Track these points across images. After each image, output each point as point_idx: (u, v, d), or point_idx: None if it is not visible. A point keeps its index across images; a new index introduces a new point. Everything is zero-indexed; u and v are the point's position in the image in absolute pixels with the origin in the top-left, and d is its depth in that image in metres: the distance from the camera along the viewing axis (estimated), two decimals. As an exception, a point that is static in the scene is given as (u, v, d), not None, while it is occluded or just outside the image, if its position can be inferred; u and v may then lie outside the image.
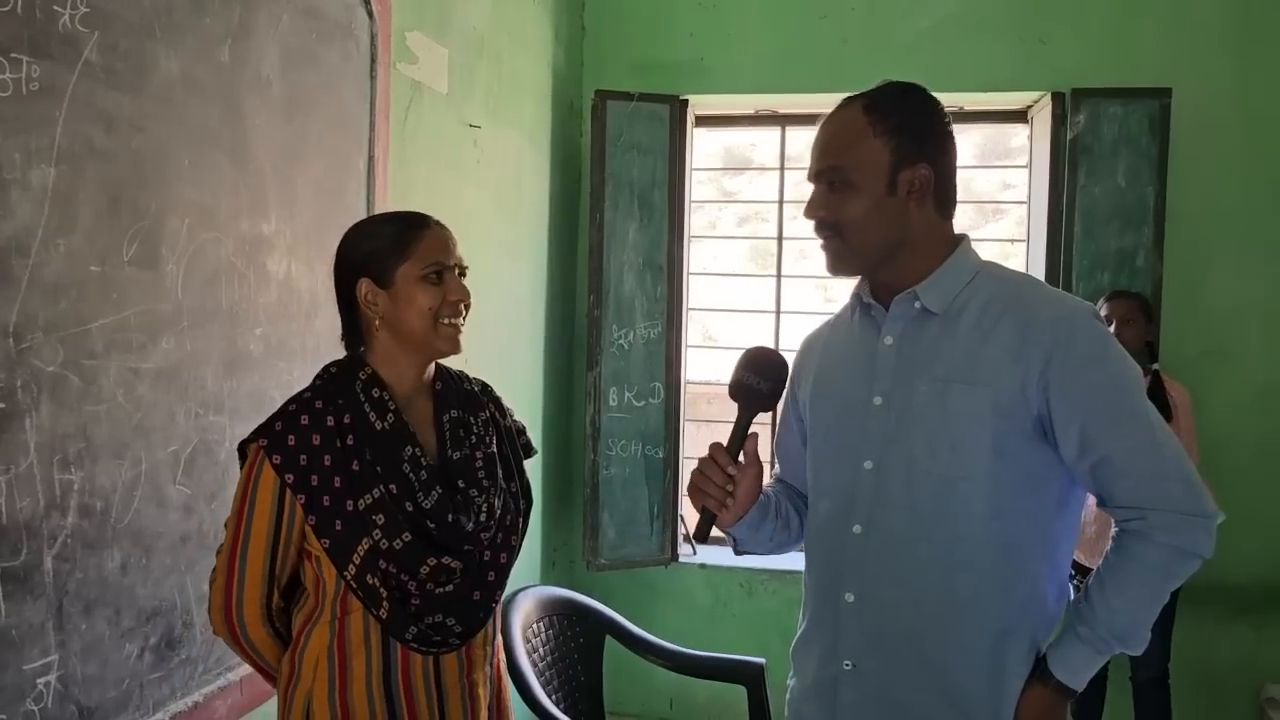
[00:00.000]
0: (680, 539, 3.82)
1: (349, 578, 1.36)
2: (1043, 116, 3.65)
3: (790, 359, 1.54)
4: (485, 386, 1.64)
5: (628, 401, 3.68)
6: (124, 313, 1.48)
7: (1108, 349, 1.34)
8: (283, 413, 1.39)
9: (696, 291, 4.14)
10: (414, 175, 2.44)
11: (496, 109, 3.01)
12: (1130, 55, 3.53)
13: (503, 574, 1.53)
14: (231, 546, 1.38)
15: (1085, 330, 1.33)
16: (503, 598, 2.33)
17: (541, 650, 2.36)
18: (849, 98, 1.43)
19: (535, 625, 2.37)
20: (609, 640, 2.59)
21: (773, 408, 1.45)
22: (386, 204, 2.25)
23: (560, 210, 3.75)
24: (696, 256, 4.15)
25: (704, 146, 4.51)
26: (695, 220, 4.11)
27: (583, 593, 3.41)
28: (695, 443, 4.47)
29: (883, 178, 1.37)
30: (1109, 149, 3.45)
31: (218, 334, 1.70)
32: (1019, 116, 3.86)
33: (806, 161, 1.46)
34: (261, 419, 1.44)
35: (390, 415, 1.42)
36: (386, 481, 1.38)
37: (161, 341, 1.56)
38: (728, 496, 1.45)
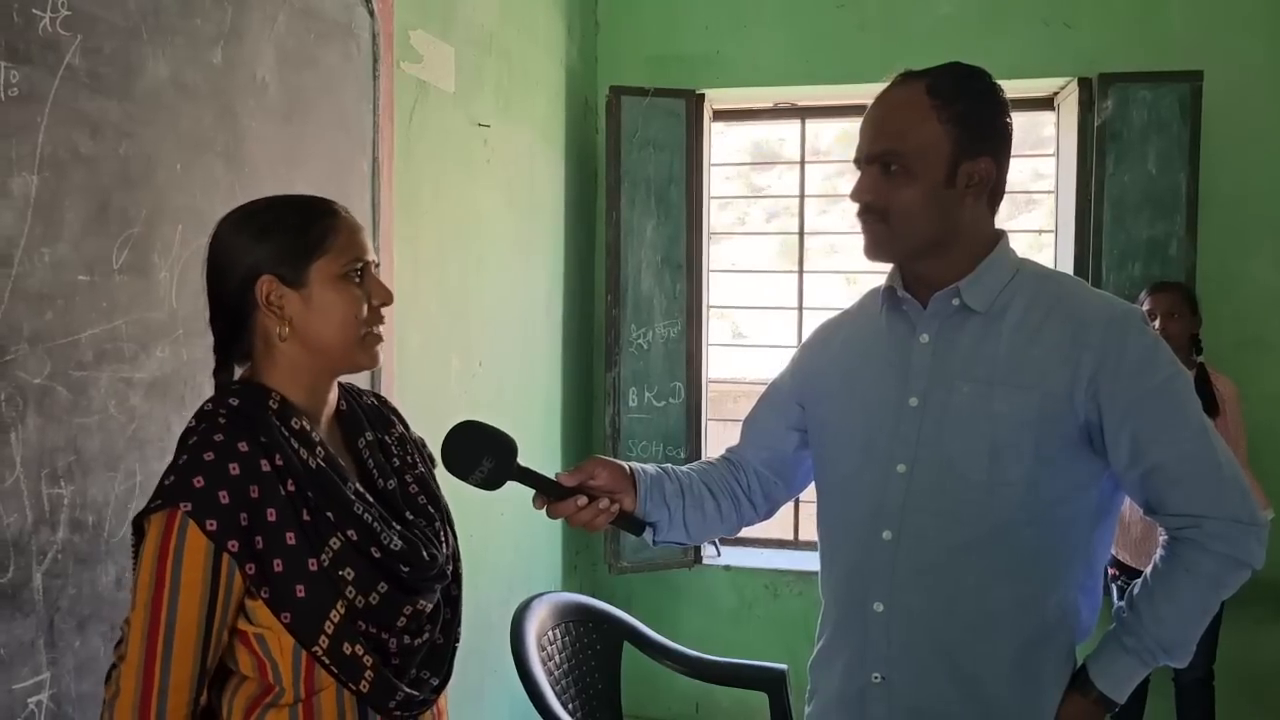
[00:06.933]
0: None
1: (320, 652, 1.12)
2: (1069, 103, 3.55)
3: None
4: (382, 399, 1.43)
5: (648, 402, 3.63)
6: (114, 322, 1.45)
7: (1159, 354, 1.29)
8: (198, 464, 1.09)
9: (725, 288, 4.07)
10: (421, 176, 2.40)
11: (507, 107, 2.96)
12: (1159, 38, 3.43)
13: (459, 608, 1.34)
14: (147, 651, 1.07)
15: (1136, 335, 1.28)
16: (516, 609, 2.32)
17: (557, 658, 2.32)
18: (908, 74, 1.34)
19: (551, 633, 2.32)
20: (630, 645, 2.54)
21: (513, 467, 1.31)
22: (393, 206, 2.21)
23: (576, 209, 3.70)
24: (725, 253, 4.09)
25: (731, 141, 4.45)
26: (724, 217, 4.06)
27: (605, 596, 3.39)
28: (719, 443, 4.40)
29: (942, 167, 1.30)
30: (1138, 135, 3.34)
31: (215, 342, 1.67)
32: (1046, 104, 3.76)
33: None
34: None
35: (319, 449, 1.18)
36: (344, 528, 1.16)
37: (155, 350, 1.53)
38: (591, 508, 1.35)
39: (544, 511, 1.37)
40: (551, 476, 1.37)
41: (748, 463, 1.58)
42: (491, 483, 1.30)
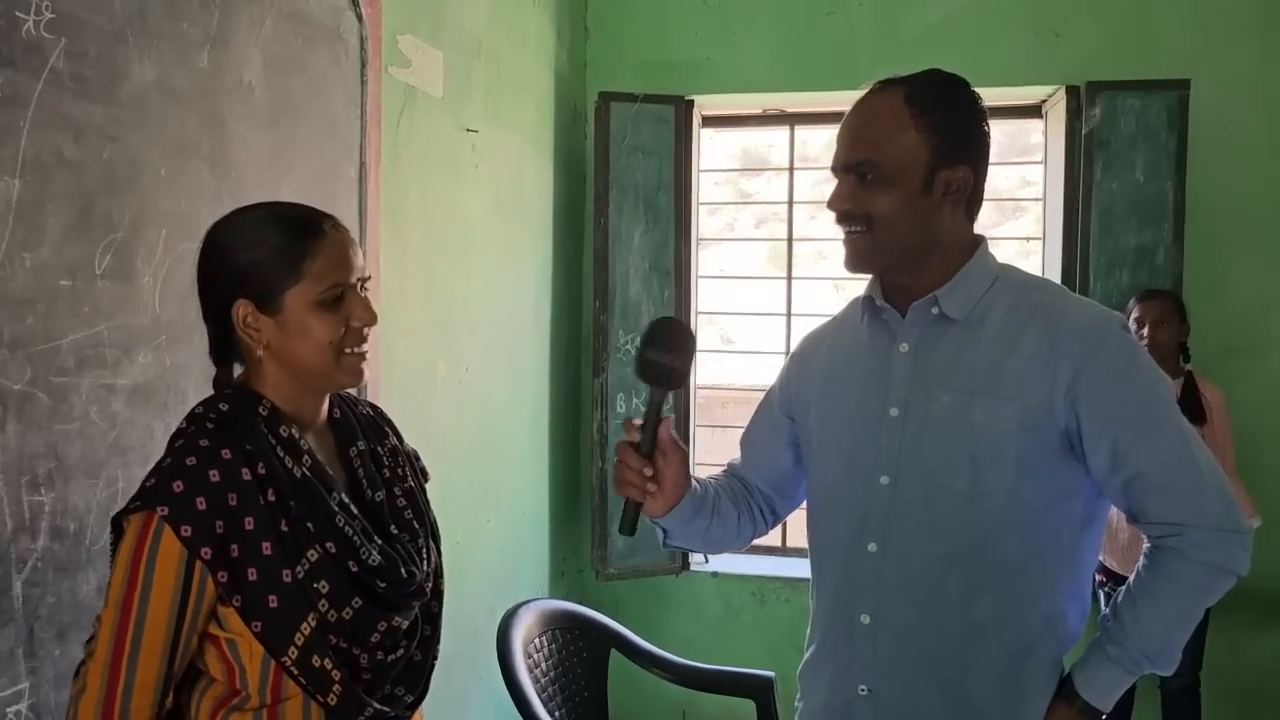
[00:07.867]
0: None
1: (289, 663, 1.13)
2: (1057, 111, 3.57)
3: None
4: (378, 409, 1.42)
5: (635, 408, 3.61)
6: (97, 327, 1.44)
7: (1137, 360, 1.28)
8: (179, 468, 1.10)
9: (714, 295, 4.07)
10: (408, 181, 2.39)
11: (496, 113, 2.96)
12: (1147, 46, 3.44)
13: (438, 625, 1.34)
14: (114, 650, 1.08)
15: (1115, 341, 1.28)
16: (503, 616, 2.30)
17: (544, 665, 2.31)
18: (887, 81, 1.34)
19: (537, 640, 2.31)
20: (618, 652, 2.54)
21: (684, 384, 1.35)
22: (380, 211, 2.20)
23: (564, 214, 3.70)
24: (714, 259, 4.10)
25: (720, 147, 4.45)
26: (713, 222, 4.05)
27: (591, 603, 3.38)
28: (709, 449, 4.40)
29: (919, 176, 1.30)
30: (1126, 143, 3.36)
31: (199, 347, 1.63)
32: (1034, 111, 3.78)
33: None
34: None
35: (306, 458, 1.18)
36: (323, 540, 1.15)
37: (138, 356, 1.52)
38: (648, 482, 1.34)
39: (638, 433, 1.36)
40: (655, 437, 1.35)
41: (750, 481, 1.60)
42: (660, 374, 1.29)
